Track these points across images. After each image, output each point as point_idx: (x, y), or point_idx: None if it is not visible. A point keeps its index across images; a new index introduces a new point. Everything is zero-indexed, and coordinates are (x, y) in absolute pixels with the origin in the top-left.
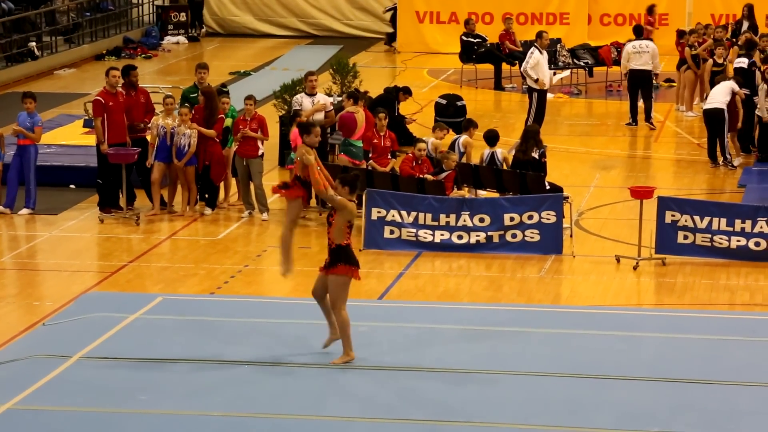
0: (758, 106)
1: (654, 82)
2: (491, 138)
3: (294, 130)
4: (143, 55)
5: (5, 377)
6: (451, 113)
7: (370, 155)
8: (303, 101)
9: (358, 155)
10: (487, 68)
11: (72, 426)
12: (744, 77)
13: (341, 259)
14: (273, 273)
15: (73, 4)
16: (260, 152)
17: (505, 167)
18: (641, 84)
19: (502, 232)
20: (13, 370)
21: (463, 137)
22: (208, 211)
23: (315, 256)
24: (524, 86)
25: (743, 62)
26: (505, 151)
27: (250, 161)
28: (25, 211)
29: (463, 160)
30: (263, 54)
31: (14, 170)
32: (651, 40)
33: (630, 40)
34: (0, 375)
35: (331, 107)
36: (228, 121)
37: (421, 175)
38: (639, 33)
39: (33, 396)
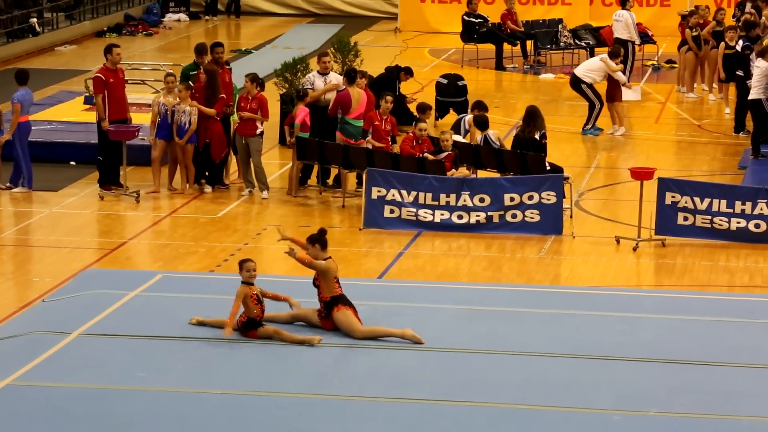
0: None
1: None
2: (481, 123)
3: (299, 107)
4: (144, 32)
5: (5, 353)
6: (452, 93)
7: (370, 136)
8: (315, 81)
9: (354, 134)
10: (489, 48)
11: (71, 402)
12: (738, 60)
13: (338, 302)
14: (272, 251)
15: None
16: (258, 131)
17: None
18: None
19: (502, 212)
20: (13, 346)
21: (469, 116)
22: (208, 189)
23: None
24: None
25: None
26: (497, 132)
27: (249, 140)
28: (17, 189)
29: (467, 138)
30: (265, 32)
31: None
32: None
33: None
34: None
35: (343, 87)
36: None
37: (421, 155)
38: (623, 2)
39: (32, 372)
